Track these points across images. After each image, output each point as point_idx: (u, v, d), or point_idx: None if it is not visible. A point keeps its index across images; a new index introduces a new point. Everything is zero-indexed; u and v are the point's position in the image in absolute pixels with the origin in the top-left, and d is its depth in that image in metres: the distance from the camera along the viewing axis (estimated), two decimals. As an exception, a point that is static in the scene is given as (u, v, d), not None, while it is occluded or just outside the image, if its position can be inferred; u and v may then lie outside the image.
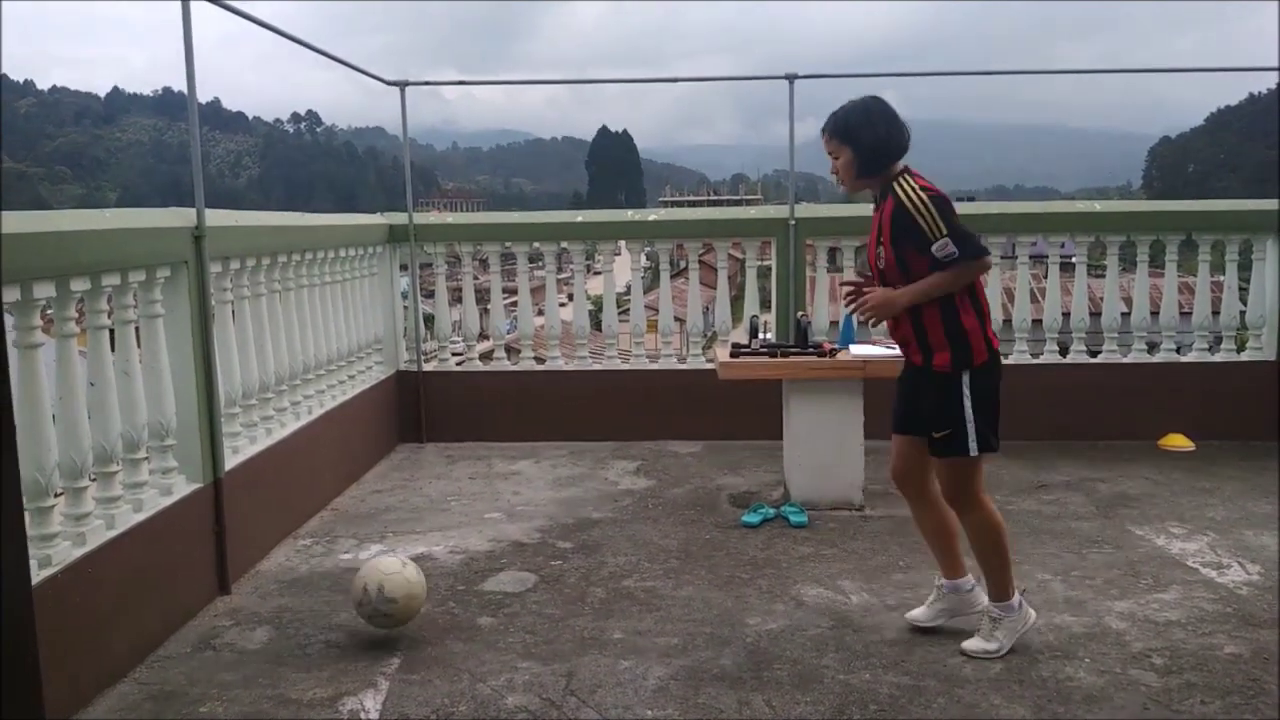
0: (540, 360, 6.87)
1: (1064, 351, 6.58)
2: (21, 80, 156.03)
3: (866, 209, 7.73)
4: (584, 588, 4.02)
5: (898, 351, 4.96)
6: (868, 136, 3.24)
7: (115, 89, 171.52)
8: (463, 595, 3.97)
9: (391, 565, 3.53)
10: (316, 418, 5.19)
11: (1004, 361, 6.37)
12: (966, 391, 3.21)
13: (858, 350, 5.01)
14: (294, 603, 3.92)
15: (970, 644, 3.33)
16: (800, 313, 5.64)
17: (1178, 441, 6.16)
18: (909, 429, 3.41)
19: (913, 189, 3.18)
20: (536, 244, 6.83)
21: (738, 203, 60.39)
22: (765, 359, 4.98)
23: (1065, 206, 7.17)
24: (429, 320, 7.01)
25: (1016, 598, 3.34)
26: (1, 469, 1.51)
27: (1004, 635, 3.31)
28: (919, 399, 3.33)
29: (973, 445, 3.23)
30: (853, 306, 3.39)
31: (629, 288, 7.21)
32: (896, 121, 3.26)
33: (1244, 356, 6.53)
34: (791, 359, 4.93)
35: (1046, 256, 6.70)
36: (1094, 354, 6.57)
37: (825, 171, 3.42)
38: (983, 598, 3.42)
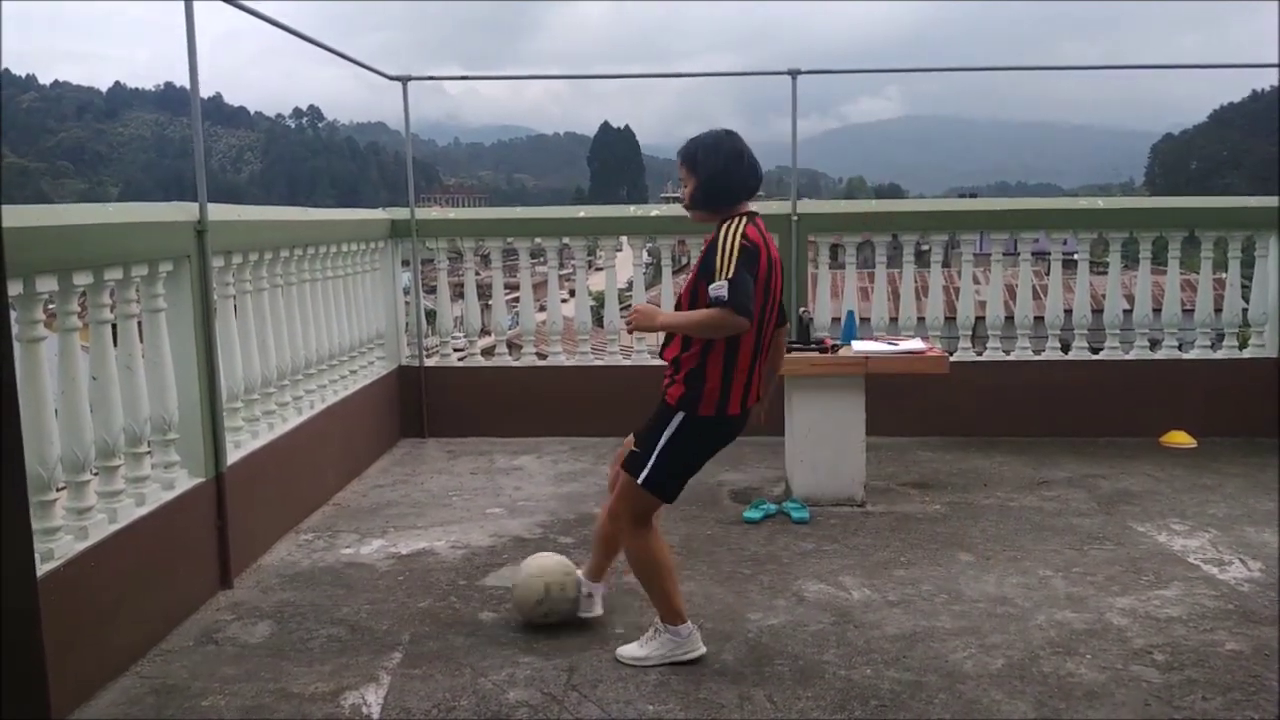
0: (542, 356, 6.87)
1: (1066, 348, 6.58)
2: (24, 75, 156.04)
3: (868, 206, 7.73)
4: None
5: (900, 348, 4.98)
6: (707, 171, 3.16)
7: (117, 84, 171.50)
8: (464, 590, 3.97)
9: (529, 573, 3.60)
10: (318, 413, 5.20)
11: (1006, 358, 6.45)
12: (673, 428, 3.15)
13: (860, 346, 5.01)
14: (296, 597, 3.92)
15: (625, 648, 3.32)
16: (802, 309, 5.64)
17: (1179, 438, 6.16)
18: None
19: (734, 231, 3.09)
20: (538, 239, 6.84)
21: (740, 199, 60.08)
22: (767, 355, 4.98)
23: (1068, 203, 7.17)
24: (431, 316, 7.01)
25: (686, 626, 3.28)
26: (6, 462, 1.51)
27: (657, 648, 3.27)
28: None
29: (644, 473, 3.18)
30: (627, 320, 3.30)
31: (631, 283, 7.20)
32: (742, 161, 3.17)
33: (1246, 354, 6.53)
34: (793, 355, 4.93)
35: (1049, 253, 6.70)
36: (1096, 351, 6.57)
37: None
38: (596, 607, 3.55)
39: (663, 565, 3.28)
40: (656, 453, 3.17)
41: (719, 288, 3.00)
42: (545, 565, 3.59)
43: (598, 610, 3.57)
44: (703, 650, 3.30)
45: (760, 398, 3.34)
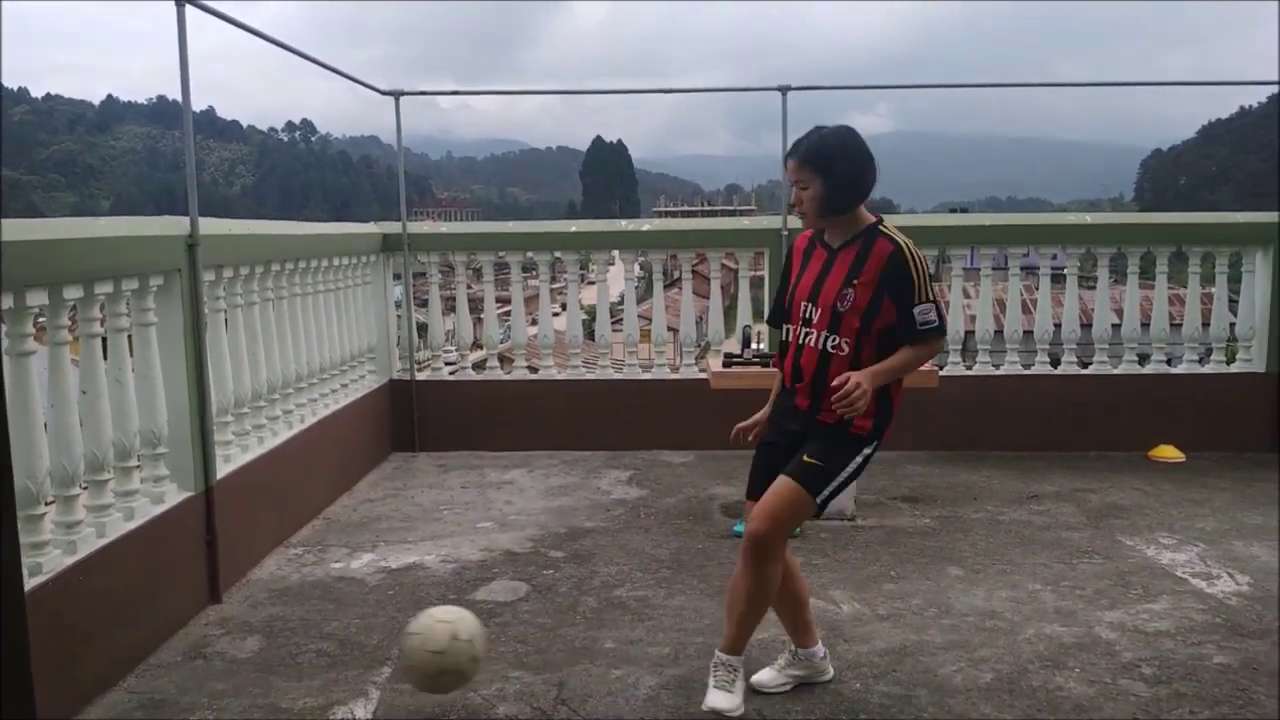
0: (533, 369, 6.88)
1: (1055, 362, 6.61)
2: (16, 88, 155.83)
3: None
4: (576, 597, 4.03)
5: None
6: (843, 170, 2.95)
7: (109, 97, 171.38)
8: (454, 604, 3.96)
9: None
10: (309, 426, 5.19)
11: (995, 372, 6.49)
12: (863, 457, 3.00)
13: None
14: (285, 612, 3.91)
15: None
16: (793, 323, 5.66)
17: (1168, 453, 6.18)
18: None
19: (911, 245, 2.97)
20: (530, 253, 6.85)
21: (731, 213, 60.52)
22: (758, 369, 5.00)
23: (1057, 218, 7.22)
24: (422, 329, 7.01)
25: (739, 658, 3.05)
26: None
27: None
28: (807, 445, 3.01)
29: (824, 494, 2.96)
30: (836, 401, 2.84)
31: (622, 297, 7.22)
32: (871, 158, 3.00)
33: (1234, 368, 6.57)
34: (784, 369, 4.94)
35: (1038, 268, 6.74)
36: (1085, 365, 6.60)
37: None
38: (829, 668, 3.26)
39: (774, 595, 3.05)
40: (845, 477, 2.98)
41: (925, 312, 2.90)
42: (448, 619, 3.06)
43: (830, 671, 3.26)
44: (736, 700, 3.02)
45: None
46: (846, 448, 2.98)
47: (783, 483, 2.97)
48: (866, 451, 3.00)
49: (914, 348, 2.94)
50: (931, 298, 2.93)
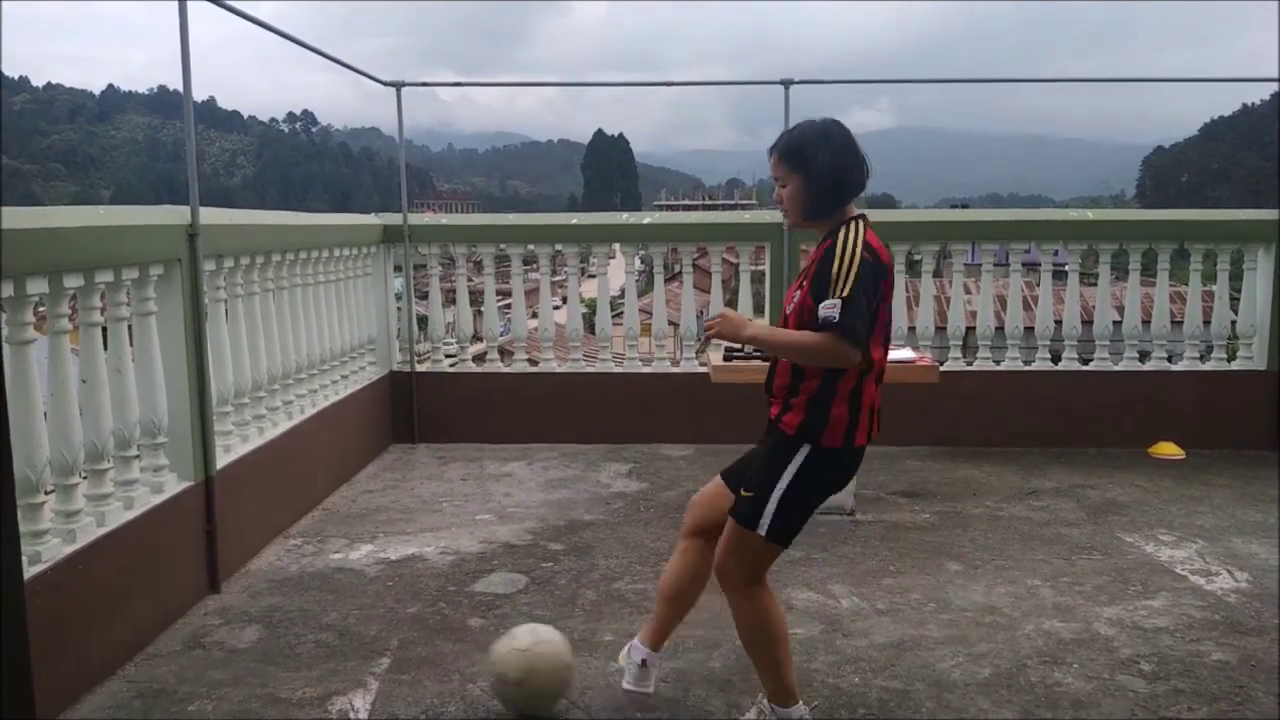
0: (533, 362, 6.87)
1: (1056, 359, 6.61)
2: (16, 77, 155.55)
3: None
4: (575, 590, 4.03)
5: (891, 357, 4.99)
6: (824, 167, 2.66)
7: (110, 86, 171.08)
8: (453, 596, 3.97)
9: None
10: (309, 417, 5.19)
11: (996, 368, 6.47)
12: (797, 464, 2.67)
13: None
14: (284, 602, 3.91)
15: None
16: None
17: (1168, 449, 6.18)
18: (732, 482, 2.91)
19: (855, 240, 2.62)
20: (531, 246, 6.84)
21: (732, 207, 60.50)
22: (758, 363, 4.99)
23: (1059, 214, 7.21)
24: (423, 321, 7.01)
25: (799, 709, 2.82)
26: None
27: None
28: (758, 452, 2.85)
29: (764, 524, 2.68)
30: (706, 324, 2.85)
31: (623, 291, 7.21)
32: (857, 154, 2.71)
33: (1234, 366, 6.56)
34: (784, 363, 4.94)
35: (1039, 264, 6.73)
36: (1085, 361, 6.60)
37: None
38: (649, 681, 3.06)
39: (778, 634, 2.80)
40: (779, 495, 2.68)
41: (831, 307, 2.54)
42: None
43: (649, 687, 3.05)
44: None
45: (879, 427, 2.79)
46: (776, 455, 2.72)
47: (729, 522, 2.80)
48: (800, 460, 2.67)
49: (812, 335, 2.60)
50: (842, 294, 2.54)
